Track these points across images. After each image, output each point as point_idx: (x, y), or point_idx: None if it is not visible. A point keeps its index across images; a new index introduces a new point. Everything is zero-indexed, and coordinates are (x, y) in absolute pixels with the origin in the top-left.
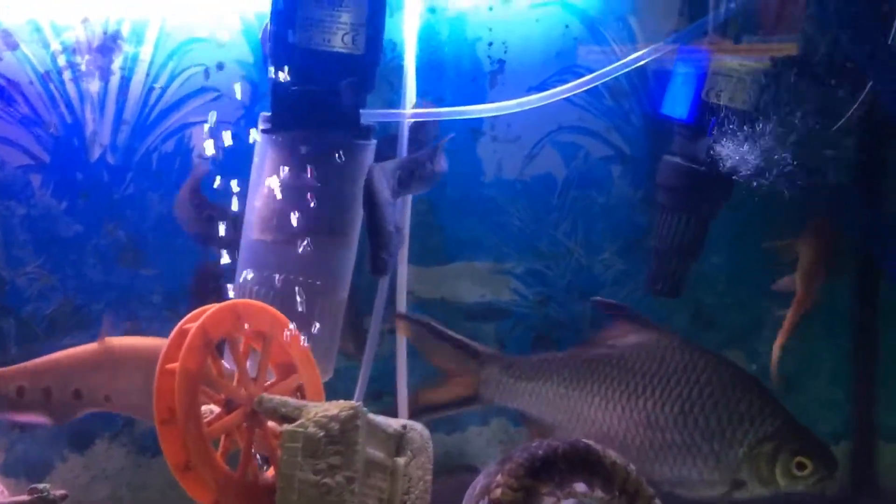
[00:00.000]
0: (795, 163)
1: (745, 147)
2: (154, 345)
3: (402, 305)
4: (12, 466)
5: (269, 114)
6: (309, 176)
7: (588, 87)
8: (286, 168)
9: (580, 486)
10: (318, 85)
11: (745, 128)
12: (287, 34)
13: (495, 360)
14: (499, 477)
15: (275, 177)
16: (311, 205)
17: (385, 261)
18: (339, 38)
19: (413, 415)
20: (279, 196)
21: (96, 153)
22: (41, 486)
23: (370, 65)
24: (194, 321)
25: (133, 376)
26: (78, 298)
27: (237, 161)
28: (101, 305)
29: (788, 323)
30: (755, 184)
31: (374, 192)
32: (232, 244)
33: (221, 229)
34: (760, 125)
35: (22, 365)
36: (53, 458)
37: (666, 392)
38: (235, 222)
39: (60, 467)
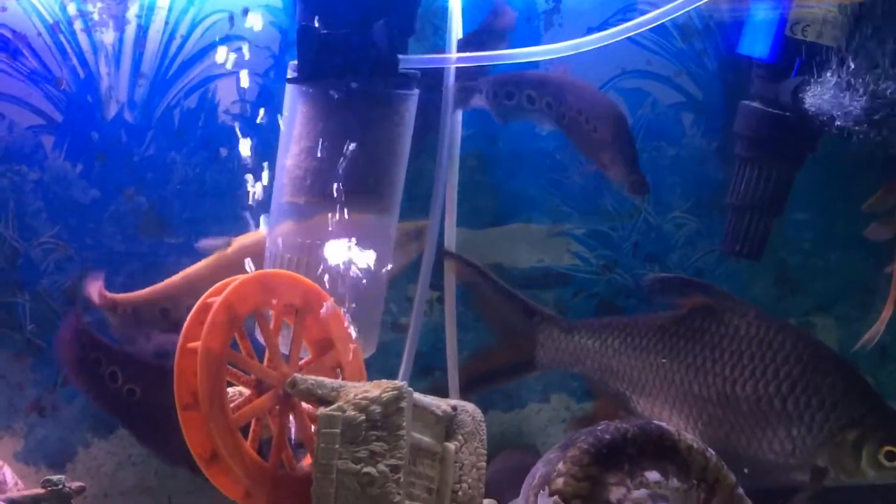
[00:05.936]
0: (893, 108)
1: (835, 90)
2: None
3: (449, 270)
4: (32, 453)
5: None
6: (343, 131)
7: (653, 24)
8: (318, 122)
9: (653, 475)
10: (350, 27)
11: (835, 68)
12: None
13: (553, 322)
14: (560, 465)
15: (306, 132)
16: (346, 163)
17: None
18: None
19: (465, 387)
20: (310, 154)
21: (112, 110)
22: (55, 478)
23: (409, 4)
24: (217, 295)
25: None
26: (97, 270)
27: (268, 116)
28: (122, 278)
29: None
30: (846, 131)
31: None
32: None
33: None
34: (853, 65)
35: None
36: (75, 444)
37: (738, 369)
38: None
39: (83, 454)
